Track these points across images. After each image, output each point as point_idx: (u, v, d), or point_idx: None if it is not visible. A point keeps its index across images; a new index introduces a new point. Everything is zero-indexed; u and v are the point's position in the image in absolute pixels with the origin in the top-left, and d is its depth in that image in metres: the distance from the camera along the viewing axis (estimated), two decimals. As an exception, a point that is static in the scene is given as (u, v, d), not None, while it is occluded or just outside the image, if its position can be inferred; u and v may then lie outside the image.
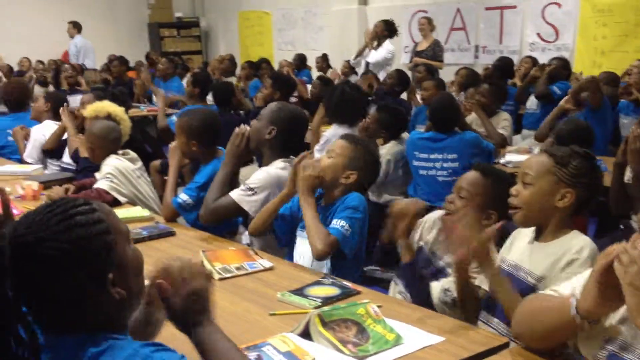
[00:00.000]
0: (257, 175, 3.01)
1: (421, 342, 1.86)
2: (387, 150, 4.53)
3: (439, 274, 2.49)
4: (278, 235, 2.86)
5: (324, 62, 10.16)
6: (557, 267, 2.03)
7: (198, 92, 6.32)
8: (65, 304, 1.27)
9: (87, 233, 1.27)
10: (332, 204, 2.66)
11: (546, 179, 2.09)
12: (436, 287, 2.33)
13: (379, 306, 2.01)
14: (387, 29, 8.00)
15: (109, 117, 4.00)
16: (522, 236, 2.22)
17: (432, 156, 4.34)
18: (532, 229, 2.17)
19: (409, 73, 7.29)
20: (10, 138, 5.09)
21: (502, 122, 5.30)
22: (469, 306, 2.20)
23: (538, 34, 8.96)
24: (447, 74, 7.58)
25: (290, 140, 3.10)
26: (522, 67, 7.27)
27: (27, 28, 12.86)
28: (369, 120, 4.54)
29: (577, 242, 2.05)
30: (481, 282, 2.18)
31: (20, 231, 1.26)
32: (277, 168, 3.02)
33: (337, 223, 2.53)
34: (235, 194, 2.95)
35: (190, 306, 1.41)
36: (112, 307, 1.31)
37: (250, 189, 2.95)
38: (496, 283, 2.03)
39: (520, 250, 2.19)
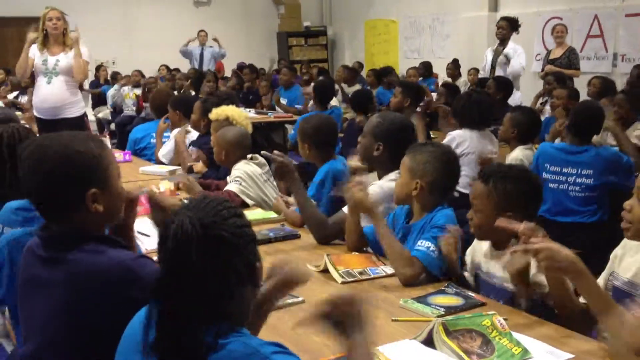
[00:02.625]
0: (370, 190, 3.02)
1: (549, 359, 1.79)
2: (516, 154, 4.36)
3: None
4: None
5: (455, 68, 10.01)
6: None
7: (317, 99, 6.58)
8: (223, 290, 1.34)
9: (241, 223, 1.39)
10: (420, 221, 2.58)
11: None
12: None
13: (505, 319, 1.96)
14: (512, 26, 7.69)
15: (227, 120, 4.14)
16: (633, 250, 2.09)
17: (565, 170, 4.13)
18: None
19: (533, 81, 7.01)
20: (152, 141, 5.40)
21: (636, 131, 4.97)
22: (570, 315, 2.06)
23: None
24: (582, 83, 7.25)
25: (399, 152, 2.91)
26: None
27: (164, 38, 13.61)
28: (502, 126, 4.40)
29: None
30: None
31: (195, 216, 1.34)
32: (391, 180, 2.99)
33: (422, 244, 2.43)
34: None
35: (348, 320, 1.47)
36: (248, 300, 1.41)
37: None
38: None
39: (635, 265, 2.06)
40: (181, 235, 1.32)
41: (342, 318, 1.46)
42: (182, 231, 1.32)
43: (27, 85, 9.36)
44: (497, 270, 2.33)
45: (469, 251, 2.56)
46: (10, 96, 9.65)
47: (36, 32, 5.55)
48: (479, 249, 2.49)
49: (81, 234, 1.70)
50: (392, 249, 2.45)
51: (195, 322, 1.31)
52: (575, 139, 4.10)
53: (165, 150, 5.05)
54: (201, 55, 11.84)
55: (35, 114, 5.72)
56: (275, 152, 3.12)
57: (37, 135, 3.33)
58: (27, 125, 4.20)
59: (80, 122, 5.73)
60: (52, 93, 5.52)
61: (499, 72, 7.40)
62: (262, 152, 3.29)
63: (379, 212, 2.57)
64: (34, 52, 5.53)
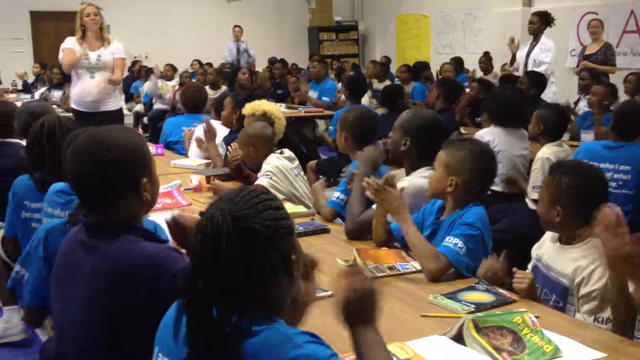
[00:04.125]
0: (399, 185, 3.01)
1: (581, 357, 1.77)
2: (543, 151, 4.29)
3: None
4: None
5: (487, 62, 9.91)
6: None
7: (348, 94, 6.57)
8: (257, 281, 1.35)
9: (277, 215, 1.40)
10: (449, 217, 2.57)
11: None
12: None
13: (536, 316, 1.94)
14: (545, 20, 7.55)
15: (264, 115, 4.15)
16: None
17: (603, 165, 4.05)
18: None
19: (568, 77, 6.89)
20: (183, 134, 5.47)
21: None
22: (621, 316, 2.05)
23: None
24: (618, 80, 7.12)
25: (427, 148, 2.94)
26: None
27: (197, 32, 13.72)
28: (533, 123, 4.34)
29: None
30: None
31: (228, 208, 1.36)
32: (420, 176, 2.98)
33: (450, 241, 2.41)
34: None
35: (359, 305, 1.49)
36: (283, 292, 1.43)
37: None
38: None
39: None
40: (211, 228, 1.33)
41: (356, 306, 1.48)
42: (212, 224, 1.33)
43: (59, 81, 9.53)
44: (557, 264, 2.32)
45: (536, 245, 2.54)
46: (41, 91, 9.79)
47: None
48: (545, 240, 2.48)
49: (124, 223, 1.75)
50: (417, 244, 2.44)
51: (229, 310, 1.33)
52: (619, 139, 4.04)
53: (193, 153, 5.07)
54: (237, 50, 11.86)
55: (74, 106, 5.82)
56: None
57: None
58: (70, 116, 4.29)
59: (118, 115, 5.90)
60: (95, 87, 5.64)
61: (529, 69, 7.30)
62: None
63: (405, 210, 2.55)
64: (75, 47, 5.64)
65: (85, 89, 5.69)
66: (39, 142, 2.96)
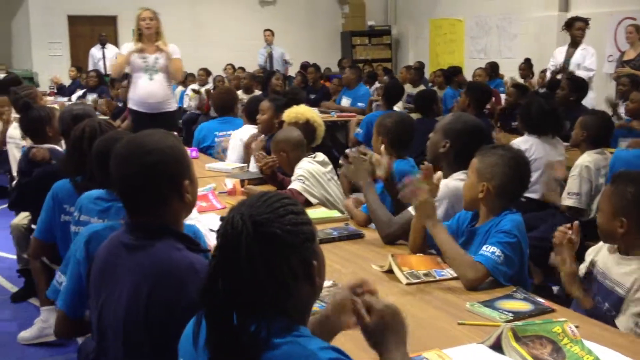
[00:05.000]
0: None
1: (623, 369, 1.73)
2: (584, 159, 4.22)
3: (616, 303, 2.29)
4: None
5: (528, 68, 9.80)
6: None
7: (385, 100, 6.61)
8: (276, 287, 1.32)
9: (298, 220, 1.37)
10: (484, 225, 2.53)
11: None
12: (622, 321, 2.18)
13: (576, 326, 1.90)
14: (587, 25, 7.41)
15: (307, 122, 4.13)
16: None
17: None
18: None
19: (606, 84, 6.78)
20: (216, 139, 5.51)
21: None
22: None
23: None
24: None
25: (465, 152, 2.87)
26: None
27: (231, 36, 13.81)
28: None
29: None
30: None
31: (248, 212, 1.34)
32: (457, 179, 2.96)
33: (488, 249, 2.38)
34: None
35: (386, 330, 1.44)
36: (304, 298, 1.38)
37: None
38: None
39: None
40: (231, 232, 1.32)
41: (384, 329, 1.44)
42: (232, 227, 1.32)
43: (95, 84, 9.66)
44: (614, 273, 2.30)
45: (592, 249, 2.51)
46: (78, 94, 9.93)
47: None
48: (604, 248, 2.44)
49: (166, 227, 1.77)
50: (453, 253, 2.42)
51: (247, 319, 1.30)
52: None
53: (234, 157, 5.08)
54: (270, 54, 11.90)
55: (134, 108, 6.01)
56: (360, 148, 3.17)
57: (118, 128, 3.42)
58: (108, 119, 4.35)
59: (175, 115, 6.21)
60: (155, 89, 5.85)
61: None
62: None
63: (438, 218, 2.54)
64: (127, 49, 5.87)
65: (145, 91, 5.88)
66: (80, 146, 2.98)
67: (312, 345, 1.28)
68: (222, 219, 1.39)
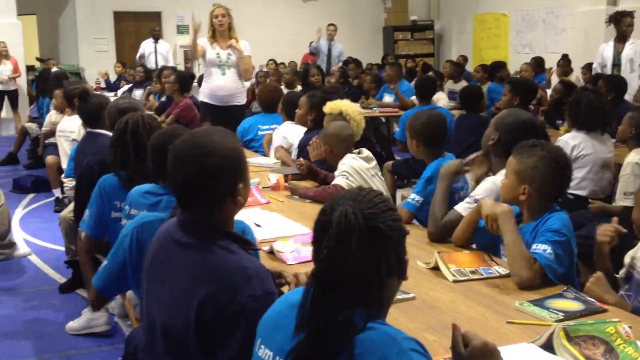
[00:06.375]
0: (482, 186, 2.94)
1: (680, 372, 1.69)
2: (632, 157, 4.12)
3: None
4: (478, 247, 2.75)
5: (566, 64, 9.62)
6: None
7: (418, 95, 6.67)
8: (375, 280, 1.38)
9: (396, 217, 1.43)
10: (529, 225, 2.49)
11: None
12: None
13: (629, 327, 1.86)
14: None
15: (341, 114, 4.14)
16: None
17: None
18: None
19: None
20: (260, 132, 5.53)
21: None
22: None
23: None
24: None
25: (513, 146, 2.75)
26: None
27: (272, 32, 13.86)
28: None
29: None
30: None
31: (358, 207, 1.39)
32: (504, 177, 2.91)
33: (539, 248, 2.34)
34: (462, 208, 2.89)
35: None
36: (393, 291, 1.47)
37: (477, 201, 2.88)
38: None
39: None
40: (345, 225, 1.36)
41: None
42: (345, 220, 1.36)
43: (142, 79, 9.79)
44: None
45: (631, 251, 2.44)
46: (124, 89, 10.08)
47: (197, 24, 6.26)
48: None
49: (219, 227, 1.78)
50: (515, 249, 2.37)
51: (347, 305, 1.35)
52: None
53: (271, 153, 5.09)
54: (329, 50, 11.83)
55: (206, 100, 6.40)
56: None
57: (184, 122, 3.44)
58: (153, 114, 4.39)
59: (244, 109, 6.48)
60: (227, 83, 6.16)
61: (626, 70, 7.00)
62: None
63: (507, 212, 2.49)
64: (205, 45, 6.20)
65: (217, 85, 6.23)
66: (123, 140, 2.99)
67: (396, 334, 1.35)
68: (323, 210, 1.43)
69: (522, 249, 2.36)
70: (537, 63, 9.88)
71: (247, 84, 9.71)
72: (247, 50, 6.24)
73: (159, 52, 11.91)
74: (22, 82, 11.79)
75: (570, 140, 4.27)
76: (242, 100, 6.40)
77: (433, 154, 3.48)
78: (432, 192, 3.30)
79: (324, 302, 1.36)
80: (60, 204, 6.40)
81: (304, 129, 4.89)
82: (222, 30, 6.08)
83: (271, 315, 1.52)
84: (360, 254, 1.35)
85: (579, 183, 4.16)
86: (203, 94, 6.47)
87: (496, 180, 2.91)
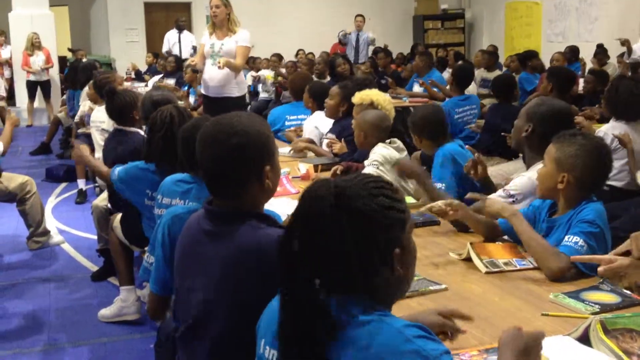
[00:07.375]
0: (517, 181, 2.89)
1: None
2: None
3: None
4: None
5: (603, 53, 9.44)
6: None
7: (455, 84, 6.51)
8: (360, 264, 1.32)
9: (389, 204, 1.36)
10: (564, 216, 2.43)
11: None
12: None
13: (668, 320, 1.81)
14: None
15: (371, 104, 4.11)
16: None
17: None
18: None
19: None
20: (287, 122, 5.53)
21: None
22: None
23: None
24: None
25: (549, 137, 2.65)
26: None
27: (301, 22, 13.84)
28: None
29: None
30: None
31: (342, 185, 1.36)
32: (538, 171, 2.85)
33: (571, 239, 2.28)
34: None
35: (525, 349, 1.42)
36: (389, 282, 1.37)
37: (511, 196, 2.83)
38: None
39: None
40: (315, 203, 1.33)
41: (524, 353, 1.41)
42: (315, 195, 1.34)
43: (173, 69, 9.84)
44: None
45: None
46: (155, 79, 10.14)
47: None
48: None
49: (246, 210, 1.77)
50: (534, 243, 2.33)
51: (329, 292, 1.31)
52: None
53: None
54: (357, 41, 11.77)
55: (203, 92, 6.37)
56: None
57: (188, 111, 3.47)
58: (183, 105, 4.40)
59: (241, 101, 6.17)
60: (217, 73, 5.96)
61: None
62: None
63: (511, 209, 2.46)
64: (205, 38, 6.08)
65: (209, 76, 6.08)
66: (157, 132, 3.03)
67: (397, 323, 1.29)
68: (304, 191, 1.40)
69: (543, 242, 2.32)
70: (572, 52, 9.69)
71: (248, 78, 9.76)
72: (246, 40, 5.97)
73: (182, 44, 11.90)
74: (54, 73, 11.95)
75: (609, 131, 4.18)
76: (234, 92, 6.05)
77: (436, 144, 3.59)
78: (447, 176, 3.45)
79: (304, 292, 1.31)
80: (81, 196, 6.49)
81: (331, 121, 4.87)
82: (217, 20, 5.87)
83: (271, 316, 1.45)
84: (334, 233, 1.30)
85: (616, 174, 4.08)
86: (201, 86, 6.51)
87: (532, 176, 2.83)
